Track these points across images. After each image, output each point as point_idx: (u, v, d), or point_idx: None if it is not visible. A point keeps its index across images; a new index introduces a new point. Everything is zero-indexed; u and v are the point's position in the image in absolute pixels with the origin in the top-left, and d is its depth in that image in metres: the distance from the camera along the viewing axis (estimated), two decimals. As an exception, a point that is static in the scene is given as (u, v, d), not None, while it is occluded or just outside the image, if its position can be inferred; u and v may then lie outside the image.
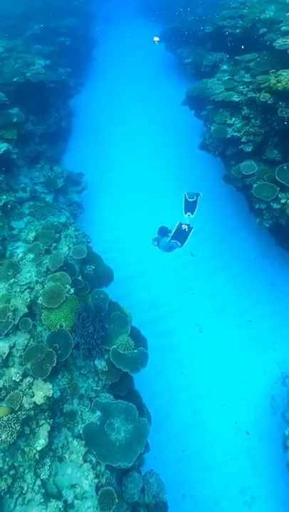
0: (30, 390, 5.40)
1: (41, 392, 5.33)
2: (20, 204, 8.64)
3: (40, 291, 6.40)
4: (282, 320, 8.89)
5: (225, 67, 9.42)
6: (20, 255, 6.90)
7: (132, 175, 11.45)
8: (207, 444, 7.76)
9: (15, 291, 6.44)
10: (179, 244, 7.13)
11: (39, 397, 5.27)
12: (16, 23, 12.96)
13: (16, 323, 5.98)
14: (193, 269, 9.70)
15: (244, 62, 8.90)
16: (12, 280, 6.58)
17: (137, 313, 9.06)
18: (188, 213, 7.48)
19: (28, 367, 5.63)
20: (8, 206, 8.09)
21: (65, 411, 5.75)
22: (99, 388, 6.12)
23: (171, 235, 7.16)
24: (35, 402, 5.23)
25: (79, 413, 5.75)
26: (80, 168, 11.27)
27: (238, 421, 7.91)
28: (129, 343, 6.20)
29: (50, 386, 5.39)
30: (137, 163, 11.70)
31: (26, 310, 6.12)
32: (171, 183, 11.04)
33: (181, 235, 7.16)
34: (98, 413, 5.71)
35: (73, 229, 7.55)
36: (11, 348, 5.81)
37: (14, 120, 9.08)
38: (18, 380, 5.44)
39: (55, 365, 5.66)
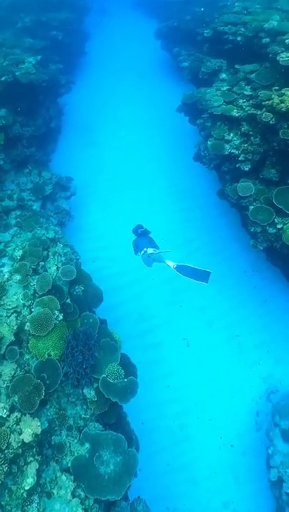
0: (18, 427, 5.15)
1: (29, 429, 5.09)
2: (7, 214, 8.17)
3: (28, 317, 6.06)
4: (269, 336, 8.86)
5: (224, 75, 8.95)
6: (6, 276, 6.49)
7: (122, 179, 10.99)
8: (192, 458, 7.77)
9: (1, 316, 6.07)
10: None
11: (27, 435, 5.04)
12: (5, 15, 11.98)
13: (2, 352, 5.66)
14: (183, 281, 9.37)
15: (244, 73, 8.42)
16: (-2, 303, 6.19)
17: (125, 325, 8.96)
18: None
19: (16, 399, 5.37)
20: (-6, 218, 7.61)
21: (53, 443, 5.55)
22: (87, 416, 5.94)
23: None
24: (23, 440, 5.00)
25: (67, 445, 5.57)
26: (69, 171, 10.72)
27: (223, 436, 7.93)
28: (119, 372, 5.99)
29: (39, 423, 5.16)
30: (127, 166, 11.22)
31: (13, 338, 5.80)
32: (164, 191, 10.66)
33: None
34: (87, 445, 5.54)
35: (62, 245, 7.16)
36: (-4, 379, 5.50)
37: (1, 124, 8.44)
38: (5, 416, 5.17)
39: (43, 397, 5.41)
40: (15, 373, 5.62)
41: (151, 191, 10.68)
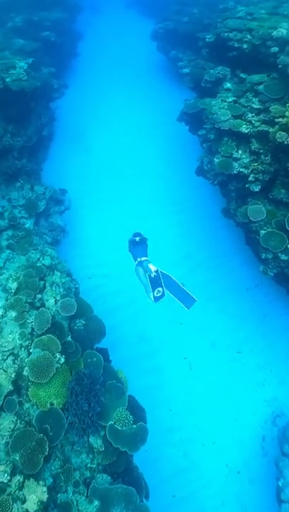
0: (21, 493, 4.49)
1: (34, 495, 4.45)
2: (-2, 235, 7.29)
3: (26, 360, 5.34)
4: (272, 355, 8.42)
5: (228, 85, 8.22)
6: (0, 312, 5.70)
7: (118, 190, 10.20)
8: (198, 488, 7.31)
9: (-4, 359, 5.32)
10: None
11: (32, 503, 4.40)
12: (-5, 14, 10.82)
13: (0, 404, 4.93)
14: (184, 300, 8.87)
15: (251, 83, 7.73)
16: (-8, 344, 5.43)
17: (124, 348, 8.30)
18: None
19: (17, 458, 4.68)
20: (-15, 241, 6.76)
21: (59, 502, 4.92)
22: (94, 466, 5.32)
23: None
24: (27, 510, 4.33)
25: (75, 503, 4.95)
26: (62, 181, 9.87)
27: (228, 463, 7.49)
28: (128, 418, 5.38)
29: (45, 488, 4.50)
30: (123, 175, 10.42)
31: (11, 387, 5.07)
32: (162, 202, 9.94)
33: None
34: (96, 502, 4.94)
35: (59, 273, 6.40)
36: (-6, 435, 4.79)
37: (-11, 135, 7.51)
38: (5, 481, 4.48)
39: (47, 453, 4.75)
40: (15, 426, 4.93)
41: (149, 203, 9.95)
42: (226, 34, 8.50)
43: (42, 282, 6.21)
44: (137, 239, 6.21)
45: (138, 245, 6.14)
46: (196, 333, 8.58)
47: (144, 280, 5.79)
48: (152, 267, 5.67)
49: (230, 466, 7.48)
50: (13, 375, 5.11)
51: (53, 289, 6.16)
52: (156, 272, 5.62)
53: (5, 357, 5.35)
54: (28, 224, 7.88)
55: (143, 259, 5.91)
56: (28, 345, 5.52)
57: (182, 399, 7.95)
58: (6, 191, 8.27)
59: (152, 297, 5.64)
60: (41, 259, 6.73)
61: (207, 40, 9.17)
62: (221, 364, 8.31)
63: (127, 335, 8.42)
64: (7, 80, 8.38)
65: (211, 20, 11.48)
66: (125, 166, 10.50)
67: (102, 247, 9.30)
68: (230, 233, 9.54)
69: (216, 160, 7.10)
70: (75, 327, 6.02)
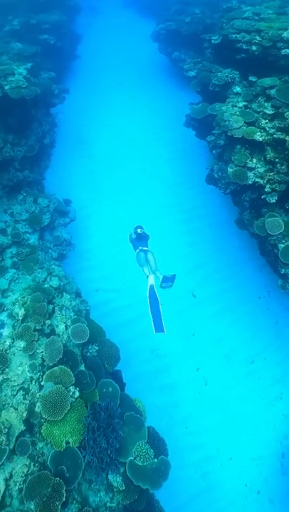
0: None
1: None
2: (1, 253, 6.77)
3: (38, 395, 4.84)
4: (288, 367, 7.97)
5: (238, 89, 7.67)
6: (8, 342, 5.21)
7: (123, 197, 9.64)
8: (218, 510, 6.88)
9: (5, 395, 4.83)
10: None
11: None
12: (-9, 18, 10.19)
13: (11, 447, 4.45)
14: (195, 312, 8.41)
15: (262, 87, 7.18)
16: (0, 378, 4.93)
17: (137, 364, 7.83)
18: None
19: (32, 508, 4.21)
20: (-12, 262, 6.23)
21: None
22: (114, 505, 4.85)
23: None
24: None
25: None
26: (66, 189, 9.37)
27: (248, 483, 7.06)
28: (148, 453, 4.92)
29: None
30: (128, 182, 9.88)
31: (23, 427, 4.58)
32: (169, 209, 9.40)
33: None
34: None
35: (68, 296, 5.88)
36: (7, 481, 4.34)
37: (-11, 148, 6.95)
38: (19, 535, 4.01)
39: (64, 499, 4.29)
40: (28, 470, 4.46)
41: (157, 210, 9.41)
42: (234, 36, 7.92)
43: (51, 306, 5.70)
44: (139, 231, 6.34)
45: (140, 238, 6.30)
46: (210, 347, 8.10)
47: (143, 265, 5.99)
48: (151, 280, 5.83)
49: (250, 485, 7.06)
50: (24, 414, 4.62)
51: (63, 313, 5.65)
52: (151, 287, 5.73)
53: (15, 392, 4.86)
54: (33, 239, 7.34)
55: (144, 248, 6.13)
56: (39, 378, 5.02)
57: (198, 416, 7.49)
58: (8, 205, 7.73)
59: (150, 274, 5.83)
60: (48, 279, 6.22)
61: (213, 41, 8.58)
62: (237, 378, 7.85)
63: (139, 350, 7.94)
64: (6, 87, 7.82)
65: (214, 21, 10.96)
66: (130, 172, 9.95)
67: (108, 259, 8.79)
68: (241, 241, 9.05)
69: (229, 169, 6.57)
70: (88, 354, 5.53)
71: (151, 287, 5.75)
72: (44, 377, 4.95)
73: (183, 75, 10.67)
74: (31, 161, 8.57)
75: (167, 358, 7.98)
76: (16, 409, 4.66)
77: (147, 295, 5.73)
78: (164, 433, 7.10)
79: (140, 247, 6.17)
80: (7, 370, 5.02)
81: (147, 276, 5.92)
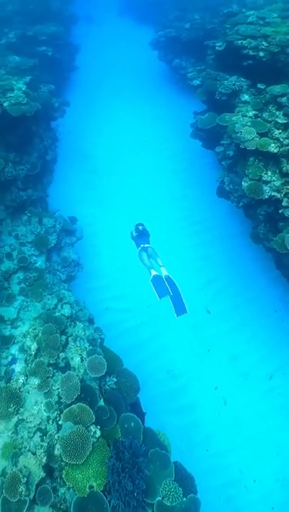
0: None
1: None
2: (8, 279, 6.45)
3: (56, 436, 4.52)
4: (309, 382, 7.66)
5: (246, 97, 7.38)
6: (21, 380, 4.89)
7: (131, 212, 9.30)
8: (245, 538, 6.58)
9: (22, 438, 4.51)
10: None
11: None
12: (-14, 31, 9.90)
13: (31, 496, 4.13)
14: (210, 328, 8.10)
15: (271, 95, 6.89)
16: (15, 419, 4.65)
17: (153, 387, 7.48)
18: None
19: None
20: (-5, 291, 5.92)
21: None
22: None
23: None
24: None
25: None
26: (70, 206, 9.07)
27: (274, 506, 6.73)
28: (177, 492, 4.61)
29: None
30: (134, 196, 9.55)
31: (43, 474, 4.26)
32: (178, 223, 9.09)
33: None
34: None
35: (81, 325, 5.58)
36: (28, 535, 3.99)
37: (-9, 169, 6.64)
38: None
39: None
40: (50, 522, 4.13)
41: (165, 223, 9.10)
42: (240, 42, 7.63)
43: (64, 337, 5.38)
44: (140, 228, 6.43)
45: (141, 235, 6.34)
46: (227, 364, 7.79)
47: (147, 264, 6.03)
48: (164, 271, 5.85)
49: (277, 508, 6.74)
50: (44, 459, 4.29)
51: (77, 344, 5.33)
52: (167, 277, 5.79)
53: (31, 434, 4.54)
54: (40, 262, 7.03)
55: (146, 245, 6.15)
56: (56, 417, 4.70)
57: (219, 437, 7.18)
58: (13, 226, 7.42)
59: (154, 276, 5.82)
60: (60, 307, 5.90)
61: (217, 48, 8.29)
62: (256, 395, 7.54)
63: (154, 372, 7.62)
64: (5, 104, 7.51)
65: (214, 26, 10.69)
66: (136, 185, 9.64)
67: (118, 278, 8.48)
68: (252, 252, 8.74)
69: (244, 184, 6.28)
70: (106, 386, 5.21)
71: (155, 278, 5.75)
72: (62, 416, 4.63)
73: (184, 83, 10.41)
74: (34, 179, 8.26)
75: (184, 378, 7.66)
76: (35, 454, 4.35)
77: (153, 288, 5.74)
78: (184, 456, 6.81)
79: (142, 245, 6.17)
80: (22, 409, 4.71)
81: (151, 279, 5.89)
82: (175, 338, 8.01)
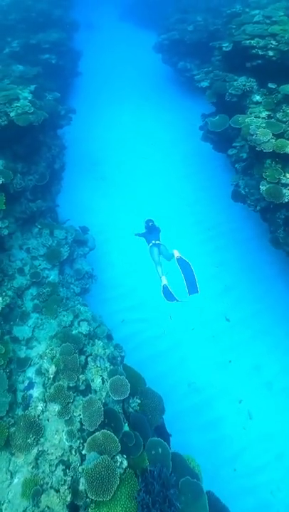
0: None
1: None
2: (21, 296, 6.07)
3: (80, 469, 4.10)
4: None
5: (257, 97, 7.00)
6: (40, 407, 4.49)
7: (141, 218, 8.88)
8: None
9: (43, 472, 4.09)
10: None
11: None
12: (-11, 41, 9.65)
13: None
14: (230, 337, 7.65)
15: (283, 94, 6.50)
16: (35, 450, 4.23)
17: (175, 401, 7.00)
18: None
19: None
20: (7, 310, 5.54)
21: None
22: None
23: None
24: None
25: None
26: (81, 215, 8.72)
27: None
28: (212, 526, 4.14)
29: None
30: (146, 202, 9.13)
31: (67, 513, 3.84)
32: (191, 228, 8.68)
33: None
34: None
35: (101, 343, 5.17)
36: None
37: (0, 182, 6.28)
38: None
39: None
40: None
41: (177, 230, 8.67)
42: (248, 42, 7.25)
43: (83, 357, 4.97)
44: (150, 224, 6.40)
45: (151, 231, 6.28)
46: (249, 375, 7.33)
47: (156, 261, 5.96)
48: (176, 253, 5.81)
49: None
50: (68, 497, 3.87)
51: (97, 364, 4.92)
52: (180, 258, 5.74)
53: (53, 468, 4.12)
54: (53, 276, 6.64)
55: (156, 242, 6.06)
56: (79, 447, 4.28)
57: (246, 454, 6.69)
58: (23, 239, 7.05)
59: (163, 275, 5.85)
60: (76, 324, 5.51)
61: (224, 49, 7.91)
62: (282, 408, 7.06)
63: (175, 385, 7.18)
64: (11, 114, 7.18)
65: (218, 27, 10.37)
66: (146, 191, 9.25)
67: (133, 287, 8.07)
68: (268, 256, 8.30)
69: (262, 187, 5.87)
70: (130, 409, 4.79)
71: (165, 287, 5.76)
72: (86, 446, 4.21)
73: (190, 85, 10.06)
74: (43, 189, 7.90)
75: (206, 391, 7.20)
76: (58, 492, 3.92)
77: (162, 294, 5.75)
78: (211, 476, 6.37)
79: (153, 241, 6.06)
80: (42, 440, 4.30)
81: (160, 277, 5.90)
82: (195, 348, 7.57)
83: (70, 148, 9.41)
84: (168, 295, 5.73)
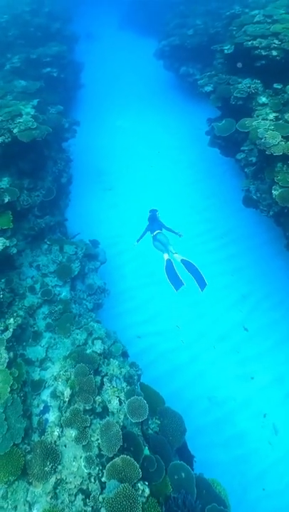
0: None
1: None
2: (32, 315, 6.00)
3: (101, 498, 3.95)
4: None
5: (263, 99, 6.86)
6: (56, 432, 4.37)
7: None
8: None
9: (62, 502, 3.96)
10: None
11: None
12: (-10, 58, 9.82)
13: None
14: (250, 347, 7.41)
15: (287, 94, 6.35)
16: (53, 479, 4.10)
17: (195, 417, 6.78)
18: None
19: None
20: (19, 331, 5.48)
21: None
22: None
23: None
24: None
25: None
26: (90, 228, 8.65)
27: None
28: None
29: None
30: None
31: None
32: (203, 237, 8.49)
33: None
34: None
35: (116, 362, 5.03)
36: None
37: (6, 200, 6.29)
38: None
39: None
40: None
41: (189, 239, 8.49)
42: (250, 42, 7.14)
43: (98, 378, 4.85)
44: (150, 214, 6.95)
45: (152, 221, 6.79)
46: (272, 386, 7.06)
47: (165, 243, 6.25)
48: (177, 256, 6.03)
49: None
50: (89, 530, 3.72)
51: (113, 384, 4.79)
52: (182, 260, 5.96)
53: (73, 497, 3.98)
54: (64, 292, 6.57)
55: (157, 231, 6.46)
56: (98, 474, 4.14)
57: (274, 472, 6.39)
58: (33, 256, 7.01)
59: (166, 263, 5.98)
60: (90, 342, 5.40)
61: (226, 51, 7.82)
62: (309, 420, 6.78)
63: (195, 400, 6.96)
64: (15, 130, 7.20)
65: (218, 29, 10.33)
66: (154, 199, 9.13)
67: (146, 300, 7.93)
68: (283, 261, 8.07)
69: (274, 192, 5.70)
70: (150, 430, 4.62)
71: (168, 262, 5.97)
72: (105, 473, 4.06)
73: (194, 90, 9.98)
74: (51, 204, 7.89)
75: (227, 405, 6.96)
76: (79, 525, 3.78)
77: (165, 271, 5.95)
78: (239, 497, 6.16)
79: (156, 231, 6.46)
80: (60, 467, 4.17)
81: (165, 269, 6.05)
82: (213, 361, 7.35)
83: (76, 160, 9.41)
84: (173, 278, 5.85)
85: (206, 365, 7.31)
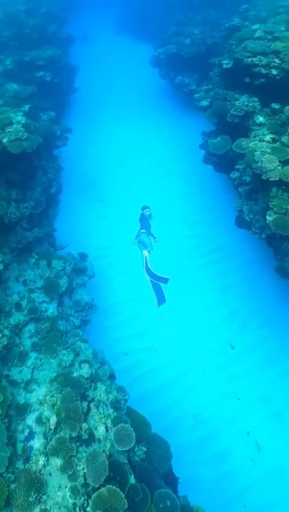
0: None
1: None
2: (18, 334, 5.97)
3: (86, 529, 3.99)
4: None
5: (261, 118, 6.93)
6: (41, 461, 4.38)
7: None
8: None
9: (46, 536, 3.98)
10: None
11: None
12: (-19, 59, 9.58)
13: None
14: (237, 366, 7.55)
15: (286, 115, 6.47)
16: (37, 510, 4.11)
17: (180, 434, 6.93)
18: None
19: None
20: (5, 351, 5.45)
21: None
22: None
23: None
24: None
25: None
26: (78, 238, 8.63)
27: None
28: None
29: None
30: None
31: None
32: (192, 252, 8.58)
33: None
34: None
35: (103, 387, 5.06)
36: None
37: (-7, 214, 6.21)
38: None
39: None
40: None
41: (178, 253, 8.61)
42: (250, 59, 7.20)
43: (85, 403, 4.87)
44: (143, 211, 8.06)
45: (143, 219, 7.82)
46: (257, 404, 7.22)
47: (148, 244, 7.47)
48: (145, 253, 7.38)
49: None
50: None
51: (100, 410, 4.82)
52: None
53: (57, 528, 4.01)
54: (51, 309, 6.54)
55: (142, 231, 7.63)
56: (83, 504, 4.17)
57: (256, 489, 6.56)
58: (20, 271, 6.95)
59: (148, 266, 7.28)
60: (77, 365, 5.41)
61: (224, 66, 7.86)
62: (293, 439, 6.98)
63: (180, 417, 7.07)
64: (4, 140, 7.09)
65: (216, 40, 10.35)
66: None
67: (135, 315, 7.97)
68: (272, 280, 8.21)
69: (268, 218, 5.80)
70: (135, 458, 4.68)
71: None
72: (91, 503, 4.09)
73: (189, 101, 10.01)
74: (39, 216, 7.81)
75: (212, 422, 7.09)
76: None
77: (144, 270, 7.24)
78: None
79: (143, 230, 7.58)
80: (44, 497, 4.19)
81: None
82: (200, 378, 7.47)
83: (66, 168, 9.33)
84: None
85: (193, 382, 7.43)
